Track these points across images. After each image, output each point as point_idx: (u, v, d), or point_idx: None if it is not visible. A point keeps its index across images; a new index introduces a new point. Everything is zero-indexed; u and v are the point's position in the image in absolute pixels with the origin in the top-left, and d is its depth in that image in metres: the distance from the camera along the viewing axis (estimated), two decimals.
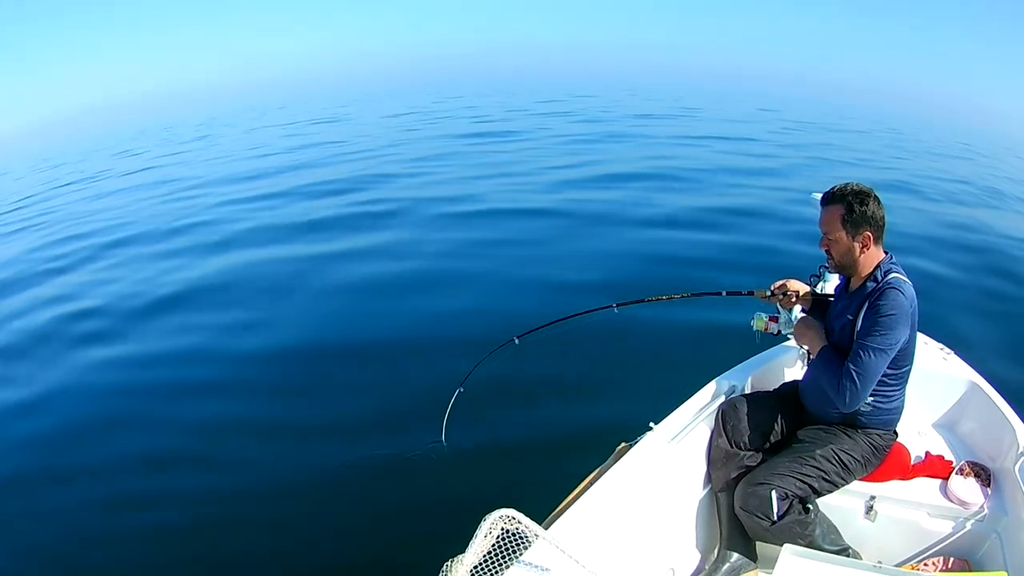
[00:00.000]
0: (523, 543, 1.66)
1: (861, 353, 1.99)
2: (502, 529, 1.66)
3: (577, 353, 4.23)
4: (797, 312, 2.50)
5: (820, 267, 2.59)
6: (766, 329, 2.48)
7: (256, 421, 4.04)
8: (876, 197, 2.07)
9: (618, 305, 2.66)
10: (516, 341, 2.73)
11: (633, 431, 2.23)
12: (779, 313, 2.47)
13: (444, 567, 1.60)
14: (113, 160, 19.00)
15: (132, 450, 3.82)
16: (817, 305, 2.41)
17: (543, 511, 1.80)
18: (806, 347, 2.39)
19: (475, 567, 1.61)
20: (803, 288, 2.43)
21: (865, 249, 2.07)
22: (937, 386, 2.68)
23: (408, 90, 35.87)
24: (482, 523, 1.61)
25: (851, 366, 2.00)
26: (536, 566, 1.70)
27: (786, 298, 2.41)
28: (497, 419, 3.72)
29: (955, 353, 2.81)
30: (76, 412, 4.36)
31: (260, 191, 10.61)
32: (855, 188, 2.07)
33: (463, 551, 1.57)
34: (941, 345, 2.85)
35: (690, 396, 2.42)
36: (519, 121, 18.65)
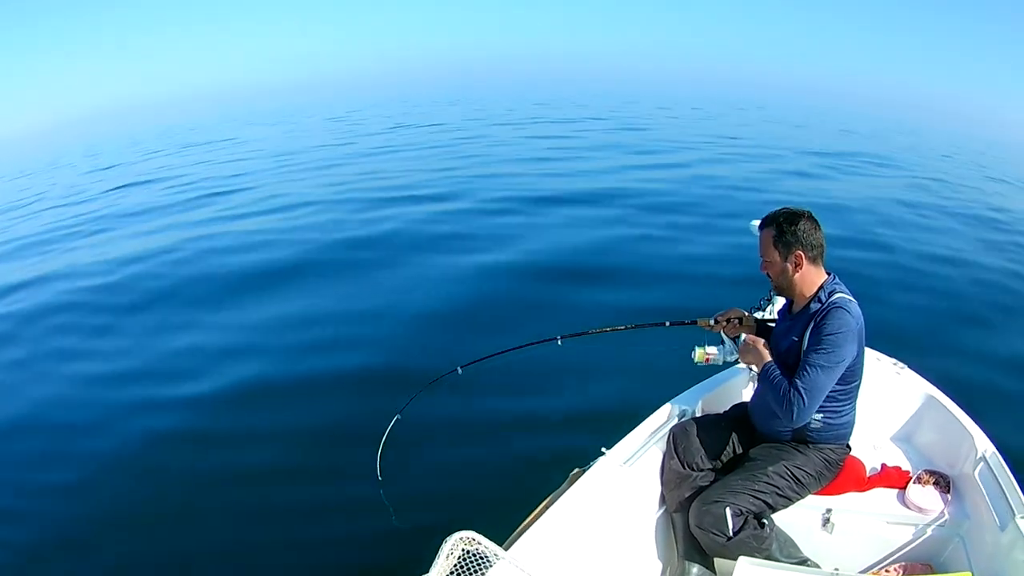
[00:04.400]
0: (484, 564, 1.78)
1: (808, 370, 2.07)
2: (463, 550, 1.81)
3: (522, 383, 4.26)
4: (743, 340, 2.63)
5: (770, 291, 2.75)
6: (707, 361, 2.55)
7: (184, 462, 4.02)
8: (810, 218, 2.17)
9: (562, 338, 2.70)
10: (459, 371, 2.73)
11: (585, 457, 2.34)
12: (724, 342, 2.55)
13: None
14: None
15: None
16: (761, 331, 2.50)
17: (498, 536, 1.88)
18: (753, 367, 2.50)
19: None
20: (744, 315, 2.53)
21: (798, 268, 2.16)
22: (891, 400, 2.78)
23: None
24: (443, 544, 1.75)
25: (798, 382, 2.06)
26: None
27: (730, 325, 2.51)
28: (440, 449, 3.74)
29: (908, 367, 2.90)
30: None
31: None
32: (786, 210, 2.20)
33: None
34: (894, 360, 2.94)
35: (641, 421, 2.52)
36: None
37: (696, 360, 2.33)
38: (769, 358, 2.24)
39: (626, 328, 2.72)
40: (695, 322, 2.58)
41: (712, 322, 2.54)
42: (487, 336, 5.22)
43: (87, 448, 4.28)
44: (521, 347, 2.72)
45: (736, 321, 2.51)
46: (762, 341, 2.32)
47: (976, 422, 2.57)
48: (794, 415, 2.09)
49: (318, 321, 6.02)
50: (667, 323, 2.67)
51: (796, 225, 2.15)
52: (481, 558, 1.79)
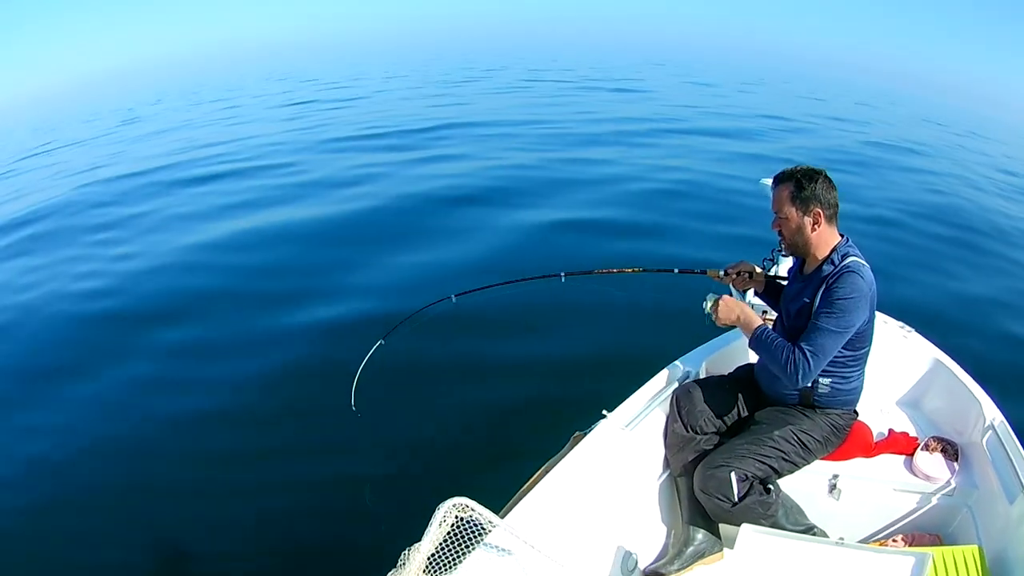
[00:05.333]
0: (479, 531, 1.69)
1: (816, 333, 1.99)
2: (456, 517, 1.71)
3: (521, 323, 4.11)
4: (750, 295, 2.53)
5: (773, 250, 2.63)
6: None
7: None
8: (826, 176, 2.09)
9: (566, 274, 2.59)
10: (453, 299, 2.60)
11: (586, 419, 2.24)
12: (732, 294, 2.44)
13: (401, 556, 1.65)
14: None
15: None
16: (770, 287, 2.43)
17: (493, 501, 1.79)
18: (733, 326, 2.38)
19: (432, 555, 1.66)
20: (756, 269, 2.44)
21: (816, 227, 2.08)
22: (898, 364, 2.70)
23: None
24: (436, 511, 1.65)
25: (805, 344, 2.00)
26: (493, 554, 1.73)
27: (739, 278, 2.42)
28: (427, 394, 3.57)
29: (915, 331, 2.82)
30: None
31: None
32: (804, 168, 2.11)
33: (403, 539, 1.60)
34: (901, 324, 2.86)
35: (644, 382, 2.43)
36: None
37: (707, 310, 2.22)
38: (758, 320, 2.16)
39: (633, 271, 2.61)
40: (704, 272, 2.49)
41: (722, 273, 2.46)
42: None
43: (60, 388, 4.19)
44: (522, 280, 2.60)
45: (746, 275, 2.43)
46: (744, 304, 2.22)
47: (984, 388, 2.50)
48: (799, 378, 2.03)
49: (297, 242, 6.03)
50: (675, 270, 2.58)
51: (815, 182, 2.07)
52: (475, 526, 1.70)
